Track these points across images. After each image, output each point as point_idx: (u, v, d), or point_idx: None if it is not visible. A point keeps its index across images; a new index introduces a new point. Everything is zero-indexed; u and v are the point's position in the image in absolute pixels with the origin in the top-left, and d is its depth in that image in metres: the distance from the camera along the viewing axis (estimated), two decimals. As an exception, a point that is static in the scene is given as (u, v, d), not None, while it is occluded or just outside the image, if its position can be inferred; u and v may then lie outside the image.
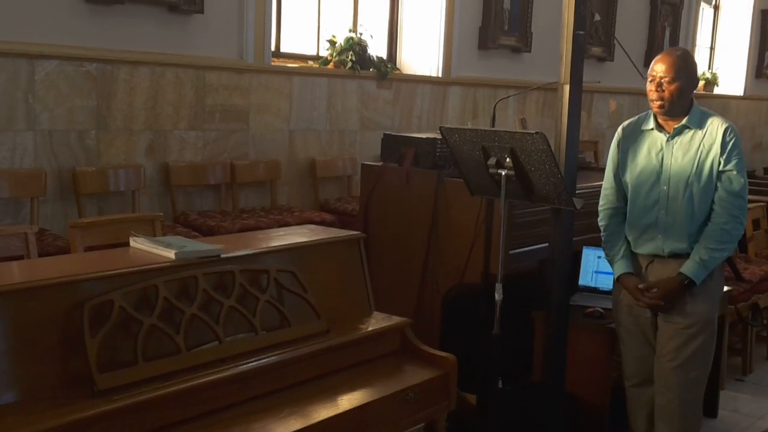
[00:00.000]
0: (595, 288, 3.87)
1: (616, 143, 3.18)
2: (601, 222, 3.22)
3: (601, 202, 3.24)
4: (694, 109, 3.02)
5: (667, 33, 9.47)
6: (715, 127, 2.98)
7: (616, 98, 8.93)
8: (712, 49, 11.13)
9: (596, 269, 3.88)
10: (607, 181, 3.21)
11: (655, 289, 3.01)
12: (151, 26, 4.85)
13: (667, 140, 3.02)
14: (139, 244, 2.72)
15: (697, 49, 10.22)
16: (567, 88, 3.18)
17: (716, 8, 11.04)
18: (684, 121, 3.00)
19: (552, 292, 3.23)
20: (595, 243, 3.93)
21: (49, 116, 4.49)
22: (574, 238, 3.38)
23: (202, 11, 5.01)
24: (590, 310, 3.62)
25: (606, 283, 3.86)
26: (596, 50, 8.30)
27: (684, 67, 2.96)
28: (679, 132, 3.01)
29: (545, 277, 3.27)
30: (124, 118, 4.81)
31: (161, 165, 5.02)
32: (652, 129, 3.06)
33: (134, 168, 4.83)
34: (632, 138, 3.12)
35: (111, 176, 4.72)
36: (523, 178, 2.98)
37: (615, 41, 8.24)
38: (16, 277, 2.33)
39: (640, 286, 3.04)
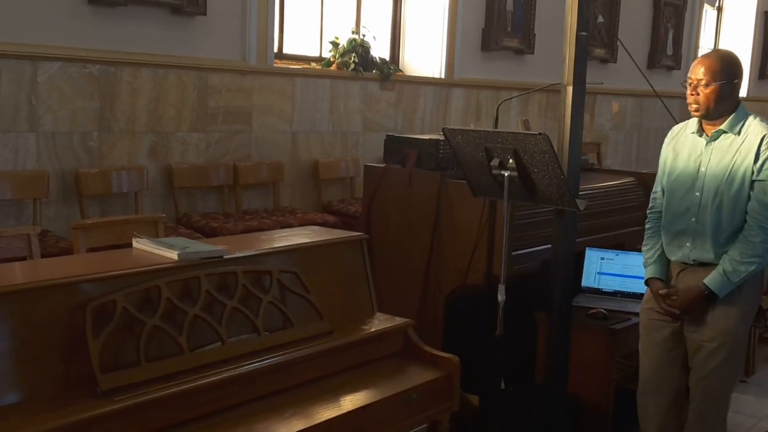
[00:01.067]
0: (598, 289, 3.87)
1: (664, 147, 3.11)
2: (647, 224, 3.16)
3: (650, 205, 3.18)
4: (737, 113, 2.90)
5: (670, 35, 9.47)
6: (755, 133, 2.85)
7: (619, 100, 8.93)
8: (716, 50, 11.11)
9: (599, 270, 3.88)
10: (657, 185, 3.14)
11: (675, 297, 2.95)
12: (154, 28, 4.85)
13: (706, 145, 2.93)
14: (141, 245, 2.72)
15: (699, 51, 10.20)
16: (570, 89, 3.18)
17: (719, 10, 11.04)
18: (722, 126, 2.90)
19: (555, 294, 3.22)
20: (599, 244, 3.94)
21: (52, 118, 4.50)
22: (577, 240, 3.38)
23: (204, 13, 5.01)
24: (593, 311, 3.62)
25: (609, 284, 3.86)
26: (599, 52, 8.30)
27: (721, 70, 2.85)
28: (716, 137, 2.91)
29: (548, 279, 3.27)
30: (127, 119, 4.81)
31: (164, 167, 5.03)
32: (694, 132, 2.98)
33: (137, 170, 4.84)
34: (677, 141, 3.05)
35: (114, 178, 4.72)
36: (526, 180, 2.97)
37: (618, 43, 8.24)
38: (18, 278, 2.33)
39: (662, 291, 2.98)
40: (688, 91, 2.90)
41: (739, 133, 2.88)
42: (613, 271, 3.87)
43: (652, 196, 3.18)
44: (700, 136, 2.96)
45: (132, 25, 4.74)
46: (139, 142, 4.90)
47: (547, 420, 3.26)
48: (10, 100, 4.32)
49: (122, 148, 4.82)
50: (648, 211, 3.18)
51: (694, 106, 2.90)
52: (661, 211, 3.09)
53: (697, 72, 2.88)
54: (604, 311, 3.60)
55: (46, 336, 2.18)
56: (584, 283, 3.88)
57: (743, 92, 11.06)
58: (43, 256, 3.31)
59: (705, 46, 10.63)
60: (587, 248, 3.87)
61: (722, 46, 11.13)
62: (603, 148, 8.45)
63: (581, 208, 3.00)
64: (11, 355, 2.11)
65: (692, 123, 3.02)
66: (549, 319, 3.31)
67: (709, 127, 2.94)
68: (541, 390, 3.39)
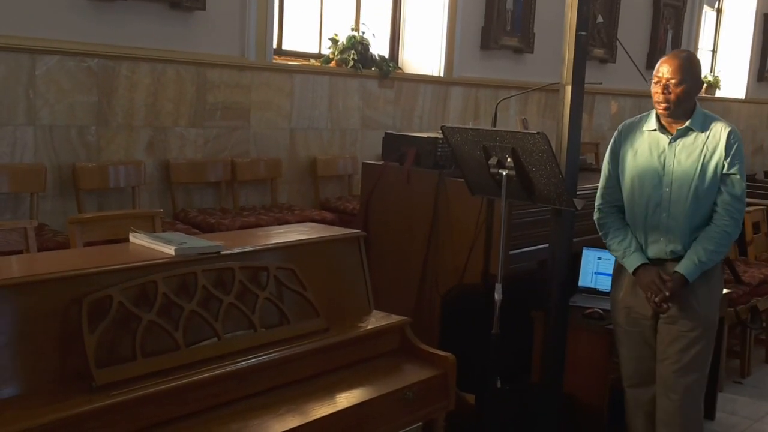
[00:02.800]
0: (595, 289, 3.87)
1: (614, 141, 3.16)
2: (602, 219, 3.18)
3: (599, 201, 3.20)
4: (698, 112, 3.01)
5: (670, 36, 9.48)
6: (719, 129, 2.98)
7: (618, 100, 8.93)
8: (714, 52, 11.13)
9: (596, 270, 3.88)
10: (608, 179, 3.17)
11: (669, 284, 2.98)
12: (153, 22, 4.85)
13: (670, 142, 3.01)
14: (138, 240, 2.71)
15: (699, 52, 10.22)
16: (569, 88, 3.18)
17: (719, 11, 11.05)
18: (688, 123, 2.99)
19: (551, 293, 3.23)
20: (596, 244, 3.93)
21: (50, 111, 4.49)
22: (575, 239, 3.38)
23: (204, 8, 5.01)
24: (590, 311, 3.62)
25: (606, 284, 3.86)
26: (598, 52, 8.30)
27: (690, 70, 2.96)
28: (682, 134, 3.00)
29: (545, 278, 3.27)
30: (125, 114, 4.81)
31: (162, 162, 5.02)
32: (655, 130, 3.05)
33: (134, 164, 4.83)
34: (632, 138, 3.11)
35: (111, 172, 4.72)
36: (524, 179, 2.97)
37: (617, 43, 8.25)
38: (14, 272, 2.32)
39: (665, 278, 2.98)
40: (657, 90, 2.96)
41: (704, 129, 2.99)
42: (610, 271, 3.85)
43: (601, 192, 3.19)
44: (663, 133, 3.03)
45: (131, 20, 4.73)
46: (136, 137, 4.89)
47: (542, 419, 3.27)
48: (7, 93, 4.32)
49: (120, 143, 4.81)
50: (600, 206, 3.19)
51: (664, 104, 2.96)
52: (616, 205, 3.15)
53: (668, 71, 2.94)
54: (600, 311, 3.60)
55: (42, 330, 2.18)
56: (581, 282, 3.88)
57: (741, 94, 11.09)
58: (39, 250, 3.30)
59: (704, 47, 10.65)
60: (584, 248, 3.87)
61: (721, 47, 11.16)
62: (601, 148, 8.44)
63: (579, 208, 3.00)
64: (6, 349, 2.11)
65: (648, 120, 3.08)
66: (545, 319, 3.31)
67: (673, 125, 3.02)
68: (537, 389, 3.39)
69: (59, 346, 2.20)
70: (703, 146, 2.97)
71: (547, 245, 3.30)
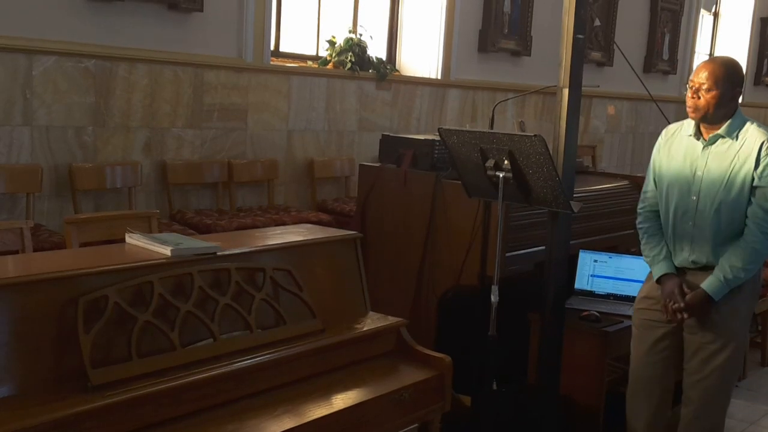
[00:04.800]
0: (591, 291, 3.87)
1: (657, 145, 3.09)
2: (641, 224, 3.12)
3: (640, 204, 3.15)
4: (735, 118, 2.90)
5: (667, 39, 9.50)
6: (753, 139, 2.86)
7: (615, 103, 8.94)
8: (711, 56, 11.15)
9: (592, 273, 3.88)
10: (648, 184, 3.12)
11: (688, 296, 2.91)
12: (151, 24, 4.84)
13: (703, 148, 2.93)
14: (134, 240, 2.71)
15: (696, 56, 10.24)
16: (566, 91, 3.18)
17: (716, 15, 11.07)
18: (720, 131, 2.90)
19: (548, 295, 3.22)
20: (592, 247, 3.94)
21: (47, 112, 4.48)
22: (571, 242, 3.38)
23: (201, 9, 5.01)
24: (586, 313, 3.62)
25: (602, 287, 3.87)
26: (596, 55, 8.31)
27: (724, 76, 2.86)
28: (713, 141, 2.91)
29: (541, 280, 3.27)
30: (122, 115, 4.80)
31: (158, 163, 5.02)
32: (691, 135, 2.97)
33: (131, 165, 4.83)
34: (672, 142, 3.04)
35: (108, 173, 4.71)
36: (520, 181, 2.98)
37: (615, 46, 8.25)
38: (10, 272, 2.32)
39: (686, 290, 2.91)
40: (689, 94, 2.90)
41: (736, 137, 2.88)
42: (606, 273, 3.87)
43: (643, 195, 3.15)
44: (698, 139, 2.96)
45: (128, 21, 4.73)
46: (133, 138, 4.88)
47: (538, 421, 3.26)
48: (4, 93, 4.31)
49: (117, 144, 4.81)
50: (640, 209, 3.14)
51: (692, 108, 2.90)
52: (655, 210, 3.09)
53: (701, 76, 2.88)
54: (596, 313, 3.60)
55: (38, 330, 2.17)
56: (577, 285, 3.88)
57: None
58: (35, 250, 3.30)
59: (701, 51, 10.66)
60: (581, 250, 3.87)
61: (718, 51, 11.17)
62: (598, 151, 8.47)
63: (575, 210, 3.00)
64: (2, 349, 2.10)
65: (688, 125, 3.01)
66: (542, 321, 3.31)
67: (708, 130, 2.94)
68: (533, 391, 3.39)
69: (55, 346, 2.19)
70: (735, 155, 2.86)
71: (543, 247, 3.30)
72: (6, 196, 4.39)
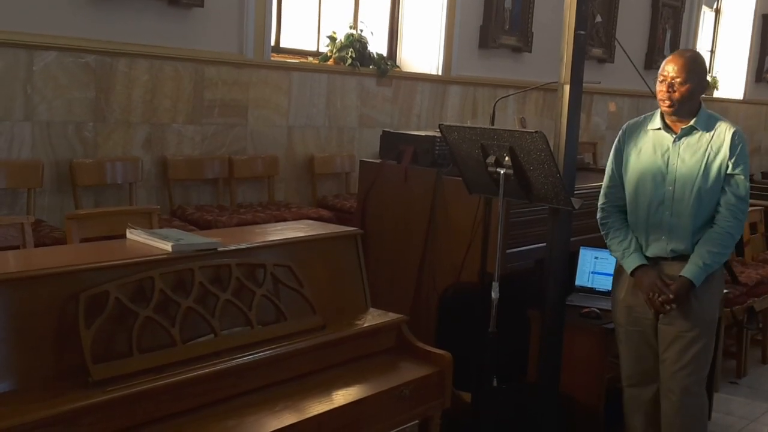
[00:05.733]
0: (592, 288, 3.87)
1: (618, 141, 3.17)
2: (604, 219, 3.19)
3: (602, 200, 3.21)
4: (702, 111, 3.02)
5: (668, 36, 9.48)
6: (723, 129, 2.99)
7: (616, 100, 8.93)
8: (712, 52, 11.14)
9: (593, 270, 3.88)
10: (611, 179, 3.19)
11: (672, 287, 2.97)
12: (151, 19, 4.84)
13: (674, 141, 3.02)
14: (135, 236, 2.71)
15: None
16: (567, 88, 3.18)
17: (717, 12, 11.05)
18: (692, 123, 3.00)
19: (548, 292, 3.23)
20: (593, 243, 3.93)
21: (47, 107, 4.48)
22: (572, 239, 3.38)
23: (202, 5, 5.00)
24: (586, 310, 3.62)
25: (603, 283, 3.86)
26: (597, 51, 8.30)
27: (695, 69, 2.97)
28: (687, 133, 3.01)
29: (542, 277, 3.27)
30: (123, 110, 4.80)
31: (159, 158, 5.01)
32: (659, 129, 3.06)
33: (132, 161, 4.83)
34: (636, 137, 3.11)
35: (108, 168, 4.71)
36: (521, 177, 2.97)
37: (616, 43, 8.24)
38: (11, 267, 2.32)
39: (669, 281, 2.98)
40: (662, 88, 2.97)
41: (708, 129, 3.00)
42: (607, 270, 3.86)
43: (604, 191, 3.21)
44: (667, 131, 3.04)
45: (129, 16, 4.73)
46: (134, 133, 4.88)
47: (538, 418, 3.27)
48: (5, 88, 4.31)
49: (117, 139, 4.80)
50: (603, 205, 3.21)
51: (668, 102, 2.97)
52: (617, 205, 3.16)
53: (674, 70, 2.95)
54: (597, 310, 3.60)
55: (39, 325, 2.17)
56: (578, 282, 3.88)
57: (739, 95, 11.10)
58: (36, 245, 3.30)
59: (703, 48, 10.65)
60: (581, 247, 3.87)
61: (720, 48, 11.16)
62: (599, 147, 8.45)
63: (576, 207, 3.00)
64: (3, 344, 2.10)
65: (653, 119, 3.09)
66: (542, 318, 3.32)
67: (677, 123, 3.03)
68: (533, 388, 3.39)
69: (56, 342, 2.19)
70: (708, 146, 2.98)
71: (544, 244, 3.30)
72: (7, 192, 4.39)
